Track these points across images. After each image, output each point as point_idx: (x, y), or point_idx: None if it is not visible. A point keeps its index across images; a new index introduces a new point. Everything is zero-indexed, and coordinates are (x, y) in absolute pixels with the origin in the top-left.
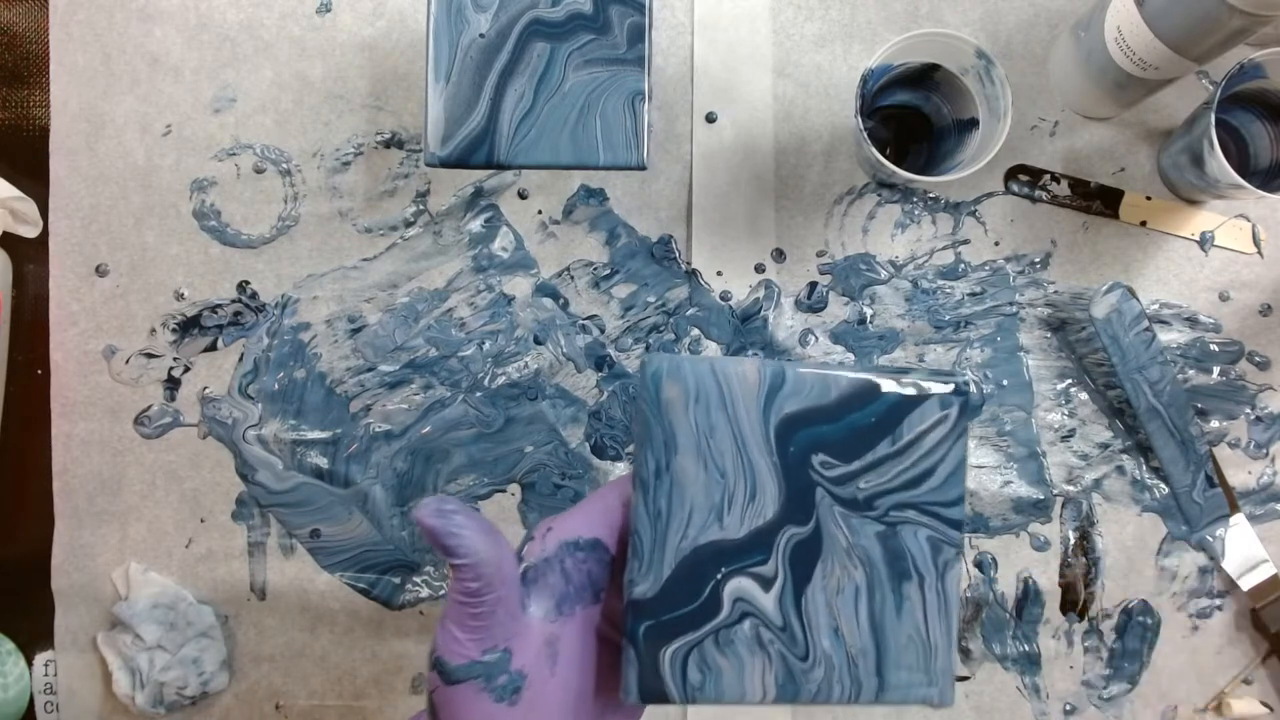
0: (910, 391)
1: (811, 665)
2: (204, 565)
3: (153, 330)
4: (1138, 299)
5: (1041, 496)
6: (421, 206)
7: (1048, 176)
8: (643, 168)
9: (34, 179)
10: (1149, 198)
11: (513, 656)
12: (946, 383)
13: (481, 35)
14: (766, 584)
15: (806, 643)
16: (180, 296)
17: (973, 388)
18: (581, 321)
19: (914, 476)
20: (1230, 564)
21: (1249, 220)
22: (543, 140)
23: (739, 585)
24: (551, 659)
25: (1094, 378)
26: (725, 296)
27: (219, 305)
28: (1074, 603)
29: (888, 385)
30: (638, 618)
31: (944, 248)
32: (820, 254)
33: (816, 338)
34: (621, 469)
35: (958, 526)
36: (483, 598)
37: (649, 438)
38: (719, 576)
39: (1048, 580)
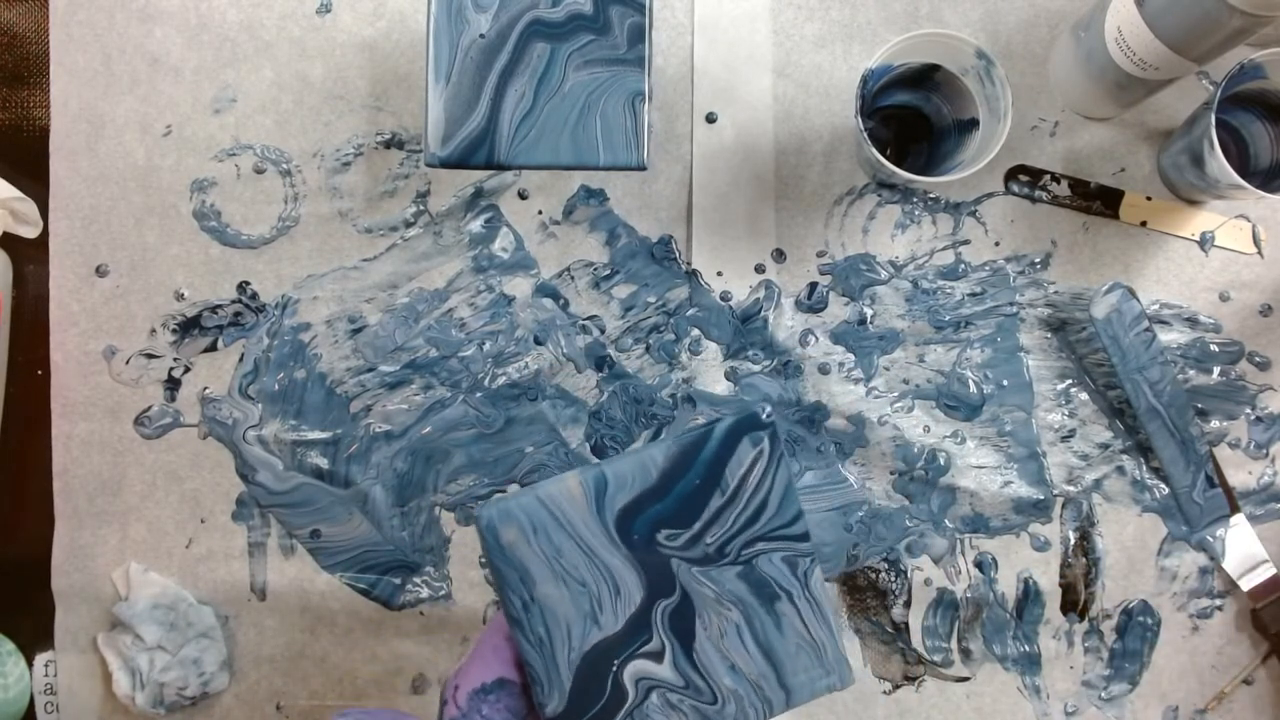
0: (717, 443)
1: (723, 705)
2: (204, 566)
3: (153, 330)
4: (1138, 299)
5: (1042, 497)
6: (422, 207)
7: (1048, 177)
8: (643, 168)
9: (34, 179)
10: (1149, 198)
11: None
12: (748, 422)
13: (482, 35)
14: (658, 657)
15: (711, 689)
16: (180, 297)
17: (766, 414)
18: (582, 322)
19: (751, 514)
20: (1230, 564)
21: (1249, 220)
22: (543, 140)
23: (635, 668)
24: None
25: (1094, 378)
26: (725, 297)
27: (219, 306)
28: (1074, 603)
29: (697, 447)
30: None
31: (944, 248)
32: (820, 254)
33: (816, 338)
34: None
35: (805, 538)
36: None
37: (504, 580)
38: (614, 668)
39: (1048, 580)
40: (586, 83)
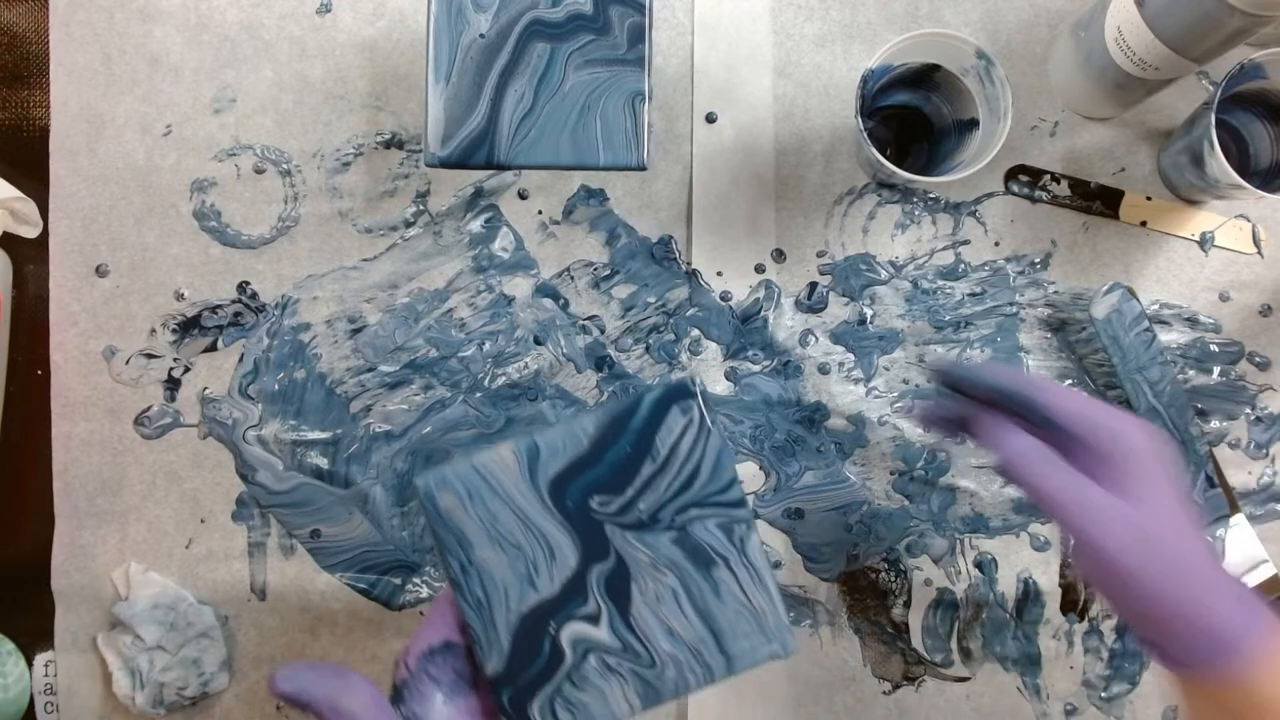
0: (645, 412)
1: (661, 668)
2: (204, 566)
3: (153, 330)
4: (1138, 299)
5: None
6: (422, 207)
7: (1048, 177)
8: (643, 168)
9: (34, 179)
10: (1149, 198)
11: None
12: (676, 391)
13: (482, 35)
14: (594, 620)
15: (649, 652)
16: (180, 297)
17: (696, 384)
18: (582, 322)
19: (684, 481)
20: (1230, 564)
21: (1249, 220)
22: (543, 140)
23: (572, 630)
24: None
25: (1094, 378)
26: (725, 297)
27: (219, 306)
28: (1074, 603)
29: (627, 416)
30: (501, 690)
31: (944, 248)
32: (820, 254)
33: (816, 338)
34: None
35: (740, 504)
36: None
37: (443, 544)
38: (551, 631)
39: (1048, 580)
40: (586, 83)
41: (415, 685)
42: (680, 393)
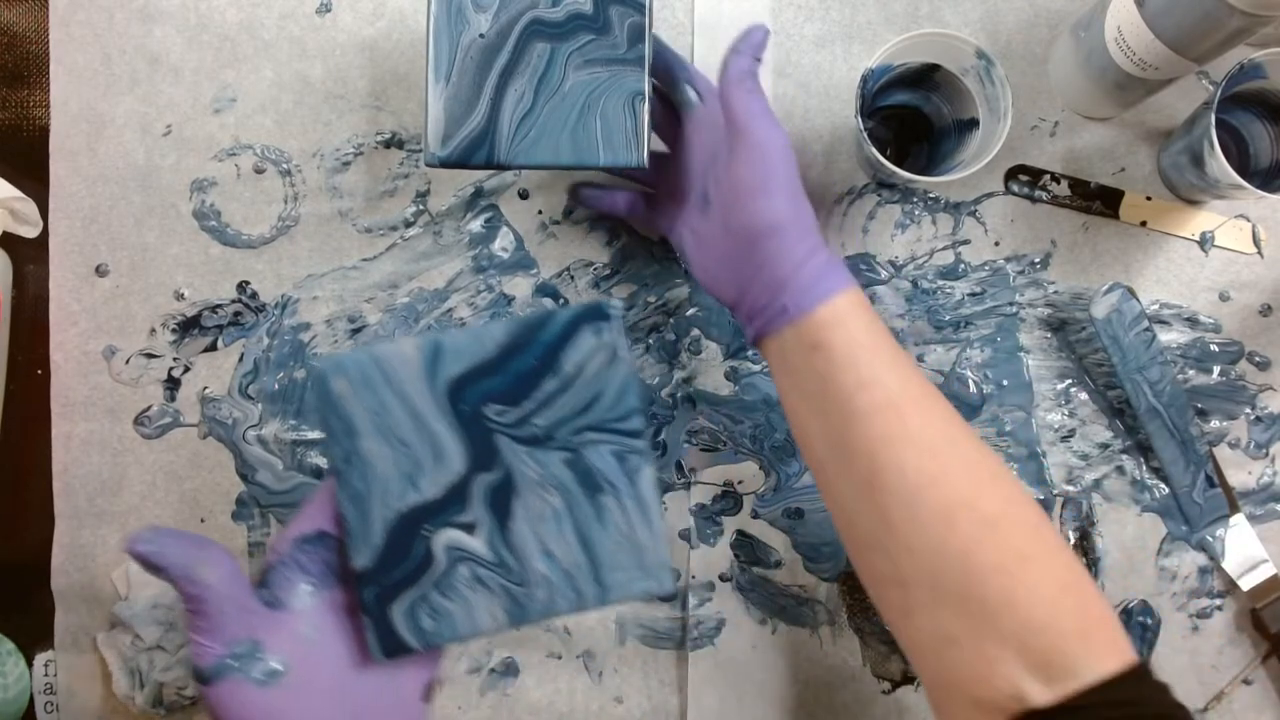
0: (559, 328)
1: (532, 588)
2: None
3: (153, 330)
4: (1138, 299)
5: (1042, 496)
6: (421, 206)
7: (1048, 176)
8: (643, 168)
9: (34, 179)
10: (1149, 198)
11: (264, 646)
12: (593, 311)
13: (481, 35)
14: (471, 529)
15: (522, 570)
16: (180, 296)
17: (614, 309)
18: None
19: (585, 403)
20: (1230, 564)
21: (1249, 220)
22: (543, 140)
23: (447, 536)
24: (313, 642)
25: (1094, 378)
26: None
27: (219, 305)
28: None
29: (538, 328)
30: (365, 586)
31: (944, 248)
32: None
33: None
34: None
35: (637, 435)
36: (205, 601)
37: (331, 431)
38: (426, 534)
39: None
40: (586, 82)
41: (283, 570)
42: (596, 314)
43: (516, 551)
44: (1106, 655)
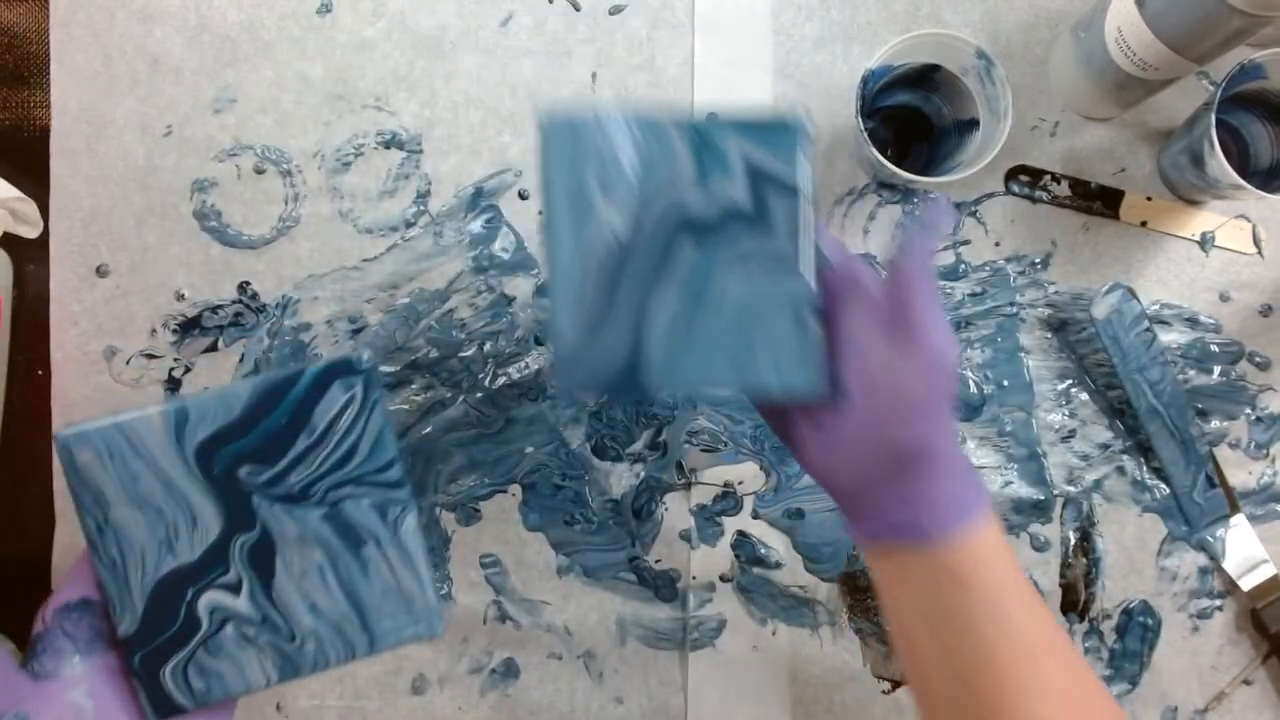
0: (306, 385)
1: (301, 643)
2: None
3: (153, 331)
4: (1138, 299)
5: (1042, 497)
6: (422, 207)
7: (1048, 177)
8: (817, 391)
9: (34, 179)
10: (1149, 198)
11: (31, 716)
12: (341, 366)
13: (614, 233)
14: (234, 590)
15: (289, 626)
16: (181, 297)
17: (364, 361)
18: None
19: (340, 457)
20: (1230, 564)
21: (1249, 221)
22: (696, 361)
23: (210, 599)
24: (87, 709)
25: (1094, 378)
26: None
27: (220, 306)
28: (1074, 603)
29: (286, 387)
30: (132, 651)
31: (944, 248)
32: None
33: None
34: (623, 468)
35: (398, 485)
36: None
37: (80, 501)
38: (189, 597)
39: (1048, 581)
40: (741, 288)
41: (49, 640)
42: (345, 368)
43: (282, 608)
44: None
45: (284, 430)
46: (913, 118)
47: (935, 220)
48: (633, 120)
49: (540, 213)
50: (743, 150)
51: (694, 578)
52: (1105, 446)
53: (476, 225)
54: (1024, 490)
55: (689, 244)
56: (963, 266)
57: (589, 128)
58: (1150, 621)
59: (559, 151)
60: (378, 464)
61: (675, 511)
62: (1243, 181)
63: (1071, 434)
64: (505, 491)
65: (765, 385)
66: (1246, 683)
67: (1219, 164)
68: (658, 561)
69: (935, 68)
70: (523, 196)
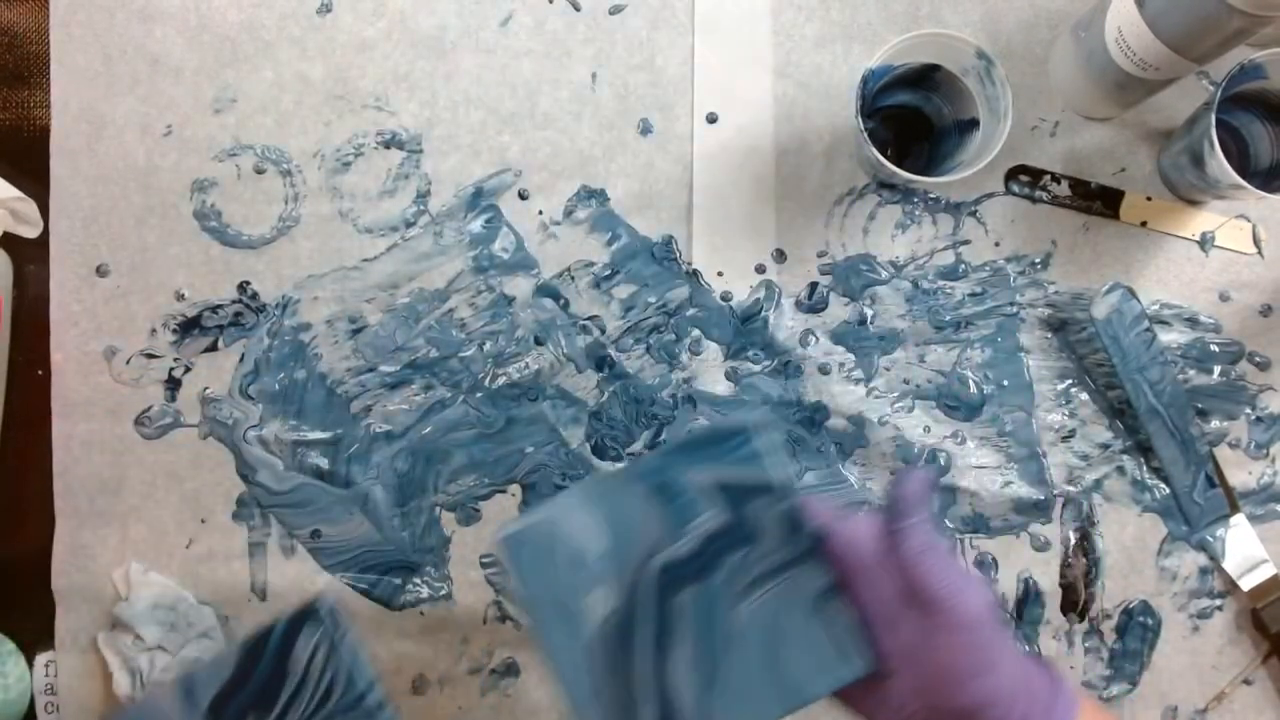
0: (279, 637)
1: None
2: (205, 566)
3: (153, 330)
4: (1138, 299)
5: (1042, 497)
6: (422, 207)
7: (1048, 177)
8: (867, 670)
9: (34, 179)
10: (1149, 198)
11: None
12: (307, 614)
13: (606, 617)
14: None
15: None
16: (181, 297)
17: (323, 605)
18: (582, 322)
19: (322, 695)
20: (1230, 564)
21: (1249, 220)
22: (739, 702)
23: None
24: None
25: (1094, 378)
26: (726, 297)
27: (219, 306)
28: (1074, 603)
29: (264, 639)
30: None
31: (944, 248)
32: (821, 254)
33: (817, 338)
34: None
35: (380, 707)
36: None
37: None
38: None
39: (1048, 581)
40: (759, 609)
41: None
42: (308, 616)
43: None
44: None
45: (271, 678)
46: (913, 118)
47: (919, 496)
48: (590, 496)
49: (528, 628)
50: (705, 475)
51: None
52: (1105, 446)
53: (476, 225)
54: (1024, 490)
55: (685, 592)
56: (963, 266)
57: (545, 532)
58: (1150, 621)
59: (529, 570)
60: (357, 693)
61: None
62: (1243, 181)
63: (1071, 434)
64: (505, 491)
65: (817, 694)
66: (1246, 683)
67: (1219, 164)
68: None
69: (935, 68)
70: (523, 196)
